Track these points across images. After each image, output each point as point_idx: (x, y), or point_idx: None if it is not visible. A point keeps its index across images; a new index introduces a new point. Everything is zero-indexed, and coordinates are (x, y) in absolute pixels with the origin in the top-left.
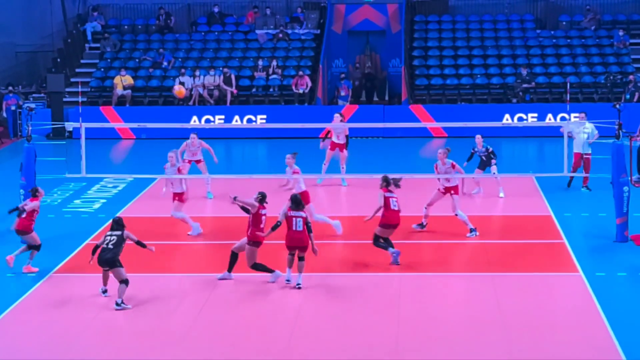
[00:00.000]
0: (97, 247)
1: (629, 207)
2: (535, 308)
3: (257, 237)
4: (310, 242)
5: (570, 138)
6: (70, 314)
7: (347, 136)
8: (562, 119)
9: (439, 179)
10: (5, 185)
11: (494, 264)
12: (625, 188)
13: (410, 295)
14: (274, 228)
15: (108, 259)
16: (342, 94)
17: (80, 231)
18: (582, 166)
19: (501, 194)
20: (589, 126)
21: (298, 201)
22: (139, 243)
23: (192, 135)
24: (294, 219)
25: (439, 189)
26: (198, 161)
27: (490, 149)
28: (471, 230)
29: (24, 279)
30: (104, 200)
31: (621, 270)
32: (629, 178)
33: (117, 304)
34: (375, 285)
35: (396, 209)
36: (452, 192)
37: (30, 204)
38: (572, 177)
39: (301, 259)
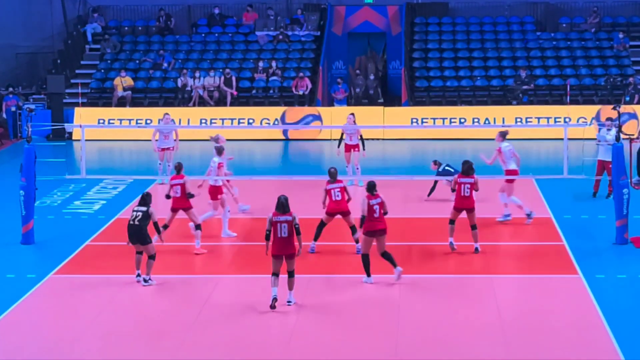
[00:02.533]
0: (128, 225)
1: (629, 209)
2: (535, 310)
3: (370, 227)
4: (298, 245)
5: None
6: (70, 315)
7: (361, 137)
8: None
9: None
10: (5, 186)
11: (493, 266)
12: (625, 190)
13: (410, 297)
14: (267, 239)
15: (136, 234)
16: (339, 97)
17: (80, 232)
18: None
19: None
20: (613, 132)
21: (283, 204)
22: (155, 225)
23: (166, 116)
24: (278, 224)
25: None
26: (167, 149)
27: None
28: (528, 216)
29: (24, 280)
30: (103, 202)
31: (621, 272)
32: (629, 180)
33: (144, 280)
34: (375, 287)
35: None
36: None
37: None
38: (597, 187)
39: (290, 274)
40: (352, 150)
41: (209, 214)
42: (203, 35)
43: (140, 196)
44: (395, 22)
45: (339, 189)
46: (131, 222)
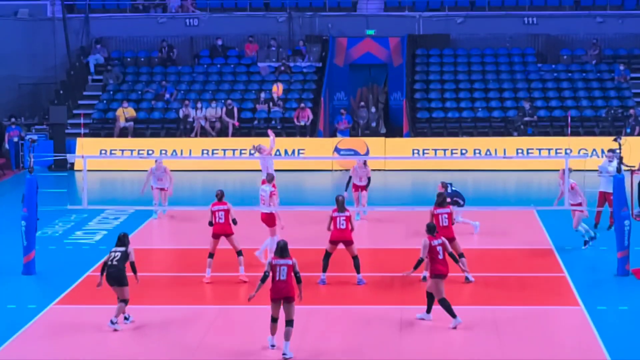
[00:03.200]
0: (104, 265)
1: (630, 240)
2: (536, 342)
3: (438, 270)
4: (298, 291)
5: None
6: (71, 346)
7: (369, 178)
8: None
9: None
10: (7, 216)
11: (494, 297)
12: (627, 222)
13: (411, 329)
14: (262, 280)
15: (114, 275)
16: (342, 128)
17: (81, 263)
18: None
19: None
20: (614, 164)
21: (282, 248)
22: (132, 265)
23: (158, 163)
24: (278, 267)
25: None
26: (162, 189)
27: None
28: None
29: (25, 310)
30: (105, 232)
31: (622, 304)
32: (630, 212)
33: (111, 322)
34: (376, 318)
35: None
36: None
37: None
38: (598, 218)
39: (289, 323)
40: (360, 190)
41: (269, 241)
42: (205, 66)
43: (117, 238)
44: (396, 53)
45: (344, 218)
46: (109, 263)
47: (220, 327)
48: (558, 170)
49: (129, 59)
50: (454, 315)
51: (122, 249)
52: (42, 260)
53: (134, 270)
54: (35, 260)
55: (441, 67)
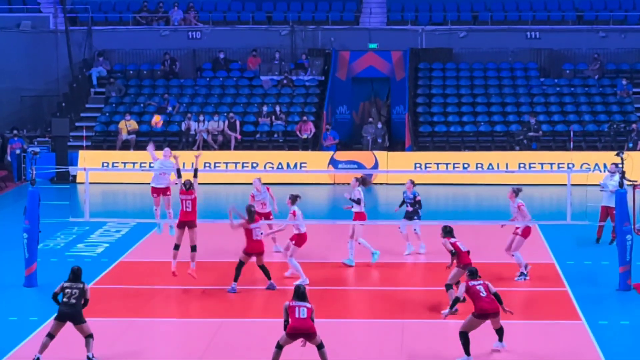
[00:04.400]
0: (55, 298)
1: (632, 255)
2: (538, 356)
3: (480, 309)
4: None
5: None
6: (71, 358)
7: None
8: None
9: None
10: (9, 228)
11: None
12: (629, 236)
13: (413, 342)
14: (285, 329)
15: (71, 314)
16: (327, 144)
17: (83, 275)
18: (610, 219)
19: (421, 250)
20: (616, 178)
21: (301, 293)
22: (85, 303)
23: (255, 180)
24: (297, 307)
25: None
26: (268, 215)
27: (418, 198)
28: (521, 274)
29: (26, 322)
30: (107, 245)
31: (624, 319)
32: (632, 226)
33: (88, 359)
34: (379, 331)
35: (258, 238)
36: (519, 232)
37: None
38: (600, 232)
39: (319, 346)
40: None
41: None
42: (208, 79)
43: (70, 272)
44: (399, 67)
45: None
46: (65, 300)
47: (222, 342)
48: (561, 184)
49: (131, 72)
50: (467, 353)
51: (80, 285)
52: (44, 273)
53: (84, 306)
54: (37, 273)
55: (444, 81)
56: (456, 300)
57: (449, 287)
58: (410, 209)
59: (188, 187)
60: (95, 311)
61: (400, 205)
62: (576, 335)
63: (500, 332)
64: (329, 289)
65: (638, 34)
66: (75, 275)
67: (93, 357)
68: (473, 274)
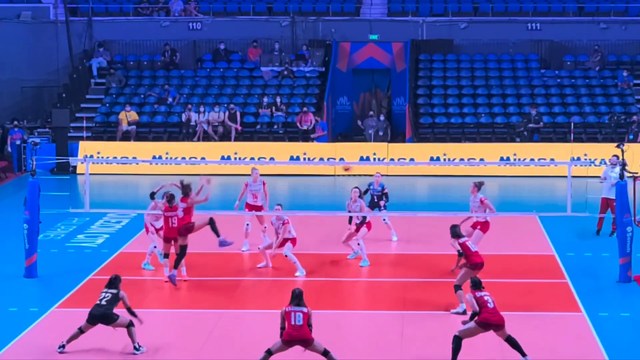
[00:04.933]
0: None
1: (632, 247)
2: (538, 348)
3: (484, 319)
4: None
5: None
6: (72, 349)
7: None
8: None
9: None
10: (9, 219)
11: (496, 303)
12: (629, 228)
13: (412, 335)
14: (281, 334)
15: (99, 316)
16: (315, 136)
17: (83, 266)
18: (610, 211)
19: (394, 238)
20: (617, 170)
21: (296, 295)
22: (129, 310)
23: (254, 169)
24: (293, 313)
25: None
26: (260, 208)
27: (386, 190)
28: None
29: (26, 313)
30: (107, 236)
31: (624, 310)
32: (632, 218)
33: (135, 349)
34: (378, 324)
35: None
36: (479, 227)
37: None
38: (600, 224)
39: (325, 353)
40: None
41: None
42: (208, 70)
43: (109, 279)
44: (399, 58)
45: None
46: (97, 302)
47: (221, 334)
48: (561, 176)
49: (131, 63)
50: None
51: (114, 291)
52: (44, 264)
53: (133, 314)
54: (37, 264)
55: (444, 72)
56: (473, 315)
57: (457, 287)
58: (376, 200)
59: (172, 204)
60: (94, 302)
61: (364, 193)
62: (576, 327)
63: (513, 344)
64: (328, 281)
65: (639, 25)
66: (111, 282)
67: (139, 347)
68: (477, 285)
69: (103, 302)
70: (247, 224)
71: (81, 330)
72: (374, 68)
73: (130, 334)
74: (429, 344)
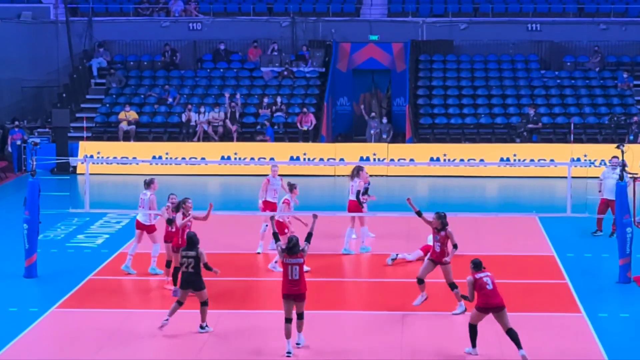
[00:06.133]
0: (176, 270)
1: (632, 248)
2: (537, 349)
3: (482, 303)
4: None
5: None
6: (71, 350)
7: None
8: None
9: None
10: (9, 219)
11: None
12: (629, 229)
13: (413, 334)
14: (307, 239)
15: (194, 282)
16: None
17: (83, 266)
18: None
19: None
20: (617, 172)
21: (293, 245)
22: (206, 266)
23: (273, 166)
24: (290, 266)
25: None
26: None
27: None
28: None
29: (26, 313)
30: (107, 236)
31: (624, 311)
32: (632, 219)
33: (201, 327)
34: (379, 325)
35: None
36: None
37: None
38: (600, 225)
39: (300, 316)
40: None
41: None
42: (208, 70)
43: (187, 238)
44: (399, 59)
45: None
46: (184, 270)
47: (221, 334)
48: (561, 177)
49: (132, 63)
50: (473, 345)
51: (193, 253)
52: (44, 264)
53: (209, 269)
54: (37, 264)
55: (444, 73)
56: (465, 298)
57: (453, 286)
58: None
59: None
60: (94, 302)
61: (365, 193)
62: (576, 327)
63: (513, 337)
64: (329, 281)
65: (639, 26)
66: (190, 243)
67: (206, 326)
68: (478, 266)
69: (190, 269)
70: (266, 225)
71: (180, 303)
72: (374, 68)
73: (203, 312)
74: (429, 345)
